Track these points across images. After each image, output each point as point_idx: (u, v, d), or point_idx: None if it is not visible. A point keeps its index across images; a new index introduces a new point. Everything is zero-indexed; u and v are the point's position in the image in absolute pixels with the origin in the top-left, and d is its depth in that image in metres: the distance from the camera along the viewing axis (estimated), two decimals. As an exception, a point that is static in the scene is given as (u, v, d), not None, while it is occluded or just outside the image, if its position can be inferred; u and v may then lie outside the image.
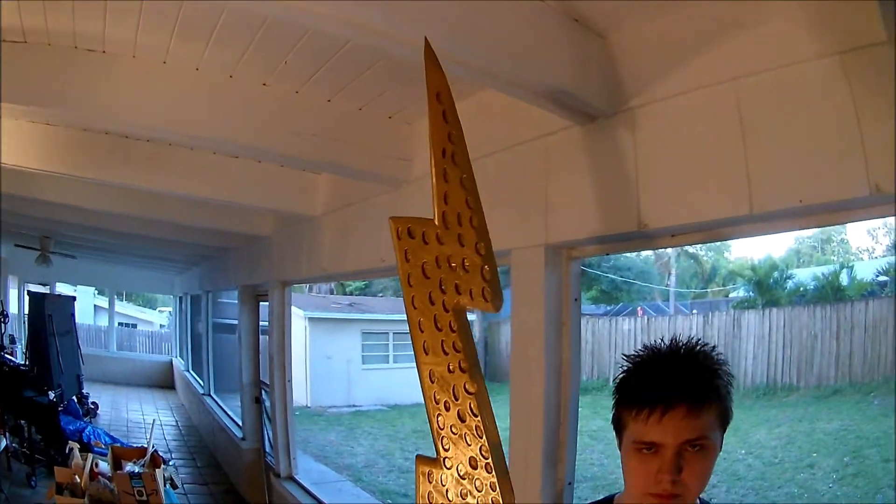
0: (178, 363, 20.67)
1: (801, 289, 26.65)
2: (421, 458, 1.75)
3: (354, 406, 25.34)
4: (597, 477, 13.83)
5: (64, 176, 5.96)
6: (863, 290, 23.74)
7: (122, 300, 35.80)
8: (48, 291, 18.65)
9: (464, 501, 1.67)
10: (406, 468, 15.30)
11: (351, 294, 38.09)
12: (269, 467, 9.13)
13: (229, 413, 12.61)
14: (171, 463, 9.89)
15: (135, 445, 9.11)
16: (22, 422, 10.31)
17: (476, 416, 1.62)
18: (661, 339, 1.92)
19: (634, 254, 37.61)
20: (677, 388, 1.78)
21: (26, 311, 15.85)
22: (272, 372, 8.48)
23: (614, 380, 1.97)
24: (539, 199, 3.56)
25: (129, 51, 3.89)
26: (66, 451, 8.19)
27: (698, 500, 1.95)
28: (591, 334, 25.15)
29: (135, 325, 35.89)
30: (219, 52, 3.82)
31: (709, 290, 37.14)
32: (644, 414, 1.80)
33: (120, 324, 29.36)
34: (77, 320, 16.19)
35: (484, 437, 1.61)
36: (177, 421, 16.31)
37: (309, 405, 24.36)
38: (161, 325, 37.79)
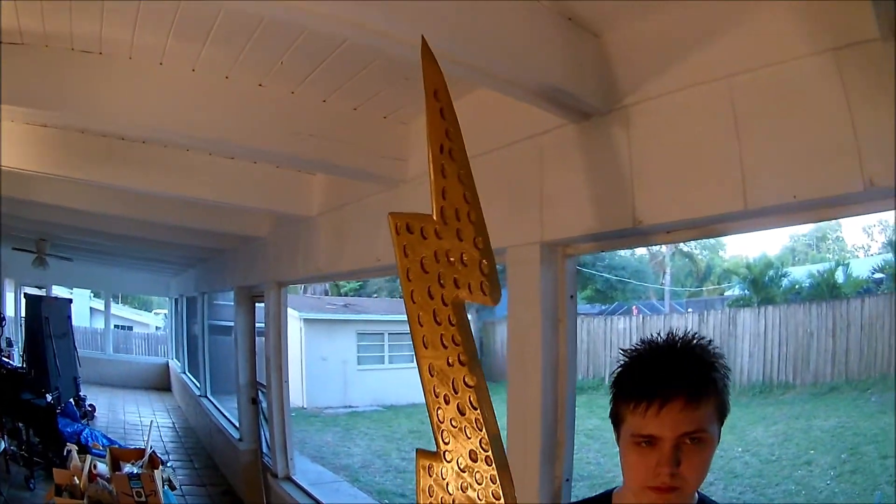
0: (175, 365, 20.66)
1: (797, 286, 26.70)
2: (421, 452, 1.77)
3: (350, 407, 25.33)
4: (593, 476, 13.86)
5: (59, 178, 5.96)
6: (859, 288, 23.82)
7: (117, 303, 35.75)
8: (44, 294, 18.62)
9: (464, 494, 1.68)
10: (403, 468, 15.33)
11: (346, 295, 38.09)
12: (267, 468, 9.12)
13: (226, 414, 12.61)
14: (168, 464, 9.88)
15: (132, 447, 9.11)
16: (20, 424, 10.30)
17: (475, 408, 1.63)
18: (658, 334, 1.93)
19: (629, 253, 37.74)
20: (674, 382, 1.79)
21: (23, 314, 15.83)
22: (269, 372, 8.49)
23: (611, 374, 1.98)
24: (534, 196, 3.58)
25: (125, 52, 3.89)
26: (65, 454, 8.21)
27: (696, 494, 1.95)
28: (587, 334, 25.17)
29: (131, 328, 35.81)
30: (215, 53, 3.83)
31: (704, 288, 37.18)
32: (642, 407, 1.80)
33: (116, 326, 29.29)
34: (73, 323, 16.20)
35: (483, 430, 1.63)
36: (174, 423, 16.30)
37: (305, 406, 24.35)
38: (157, 328, 37.77)
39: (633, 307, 33.44)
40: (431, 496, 1.73)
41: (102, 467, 7.58)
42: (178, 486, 8.68)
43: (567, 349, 3.57)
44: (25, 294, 16.66)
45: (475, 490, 1.66)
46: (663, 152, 2.94)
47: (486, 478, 1.64)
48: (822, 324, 19.99)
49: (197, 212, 7.89)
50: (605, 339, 25.24)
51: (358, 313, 28.90)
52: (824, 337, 19.85)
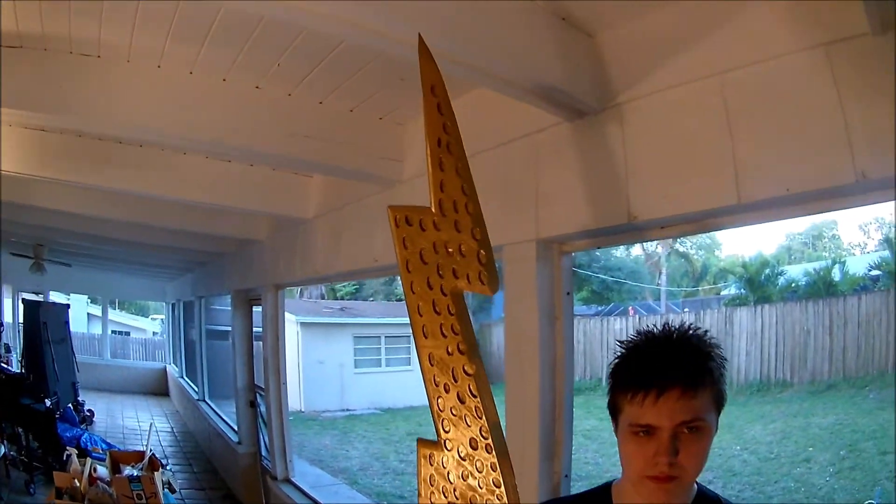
0: (172, 370, 20.66)
1: (793, 285, 26.71)
2: (422, 442, 1.79)
3: (348, 410, 25.32)
4: (592, 476, 13.84)
5: (56, 181, 5.98)
6: (855, 285, 23.83)
7: (114, 308, 35.69)
8: (42, 300, 18.61)
9: (465, 483, 1.70)
10: (401, 470, 15.36)
11: (342, 299, 38.08)
12: (266, 471, 9.12)
13: (224, 418, 12.61)
14: (168, 468, 9.89)
15: (132, 450, 9.11)
16: (19, 429, 10.30)
17: (475, 396, 1.65)
18: (654, 325, 1.95)
19: (625, 253, 37.71)
20: (671, 371, 1.80)
21: (21, 320, 15.81)
22: (267, 375, 8.49)
23: (609, 365, 1.99)
24: (530, 194, 3.60)
25: (123, 55, 3.92)
26: (65, 458, 8.21)
27: (695, 485, 1.97)
28: (583, 334, 25.17)
29: (128, 333, 35.76)
30: (212, 55, 3.86)
31: (700, 288, 37.19)
32: (639, 397, 1.81)
33: (113, 332, 29.24)
34: (71, 328, 16.19)
35: (483, 418, 1.65)
36: (172, 427, 16.30)
37: (303, 410, 24.37)
38: (154, 333, 37.72)
39: (630, 308, 33.46)
40: (433, 485, 1.75)
41: (102, 470, 7.59)
42: (177, 490, 8.69)
43: (564, 346, 3.59)
44: (24, 299, 16.63)
45: (476, 478, 1.68)
46: (657, 149, 2.97)
47: (487, 466, 1.66)
48: (819, 321, 20.02)
49: (194, 215, 7.89)
50: (602, 340, 25.22)
51: (354, 317, 28.87)
52: (821, 335, 19.88)
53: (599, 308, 33.99)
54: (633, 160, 3.06)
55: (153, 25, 3.55)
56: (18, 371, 13.21)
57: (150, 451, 7.94)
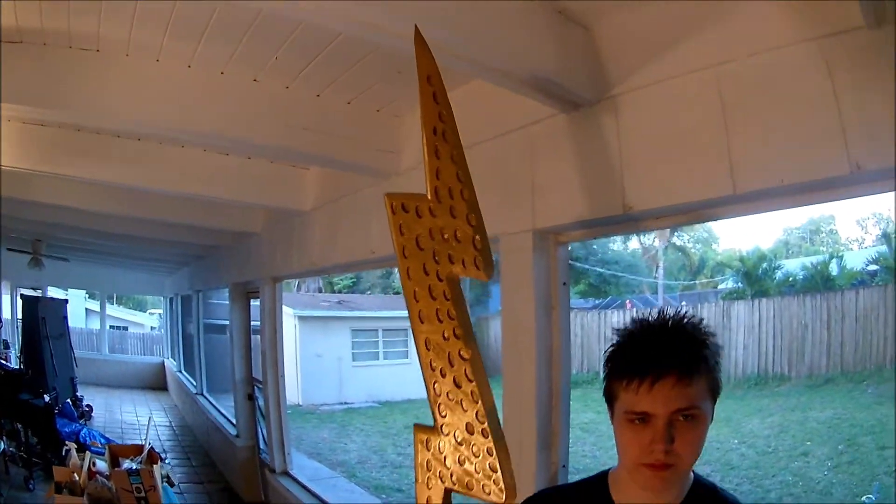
0: (170, 364, 20.64)
1: (791, 279, 26.70)
2: (419, 427, 1.80)
3: (346, 403, 25.35)
4: (589, 468, 13.57)
5: (53, 175, 5.99)
6: (853, 280, 23.80)
7: (112, 303, 35.65)
8: (41, 295, 18.58)
9: (462, 468, 1.72)
10: (399, 463, 15.36)
11: (339, 292, 38.04)
12: (264, 464, 9.14)
13: (223, 412, 12.59)
14: (166, 462, 9.88)
15: (131, 444, 9.11)
16: (18, 425, 10.29)
17: (471, 381, 1.67)
18: (650, 313, 1.96)
19: (622, 247, 37.66)
20: (666, 358, 1.79)
21: (19, 316, 15.79)
22: (265, 368, 8.51)
23: (605, 353, 2.00)
24: (526, 185, 3.62)
25: (122, 50, 3.94)
26: (63, 453, 8.20)
27: (692, 473, 1.97)
28: (581, 328, 25.13)
29: (126, 328, 35.66)
30: (210, 49, 3.88)
31: (697, 281, 37.16)
32: (634, 384, 1.80)
33: (111, 326, 29.20)
34: (69, 323, 16.18)
35: (480, 402, 1.66)
36: (170, 421, 16.28)
37: (301, 403, 24.41)
38: (152, 328, 37.71)
39: (627, 301, 33.38)
40: (430, 470, 1.77)
41: (101, 464, 7.58)
42: (176, 483, 8.69)
43: (561, 336, 3.61)
44: (22, 295, 16.62)
45: (472, 463, 1.69)
46: (652, 140, 2.99)
47: (483, 450, 1.67)
48: (816, 316, 20.03)
49: (191, 208, 7.90)
50: (599, 333, 25.17)
51: (352, 310, 28.90)
52: (819, 329, 19.88)
53: (597, 301, 33.95)
54: (629, 151, 3.08)
55: (152, 20, 3.57)
56: (17, 367, 13.15)
57: (149, 444, 7.92)
